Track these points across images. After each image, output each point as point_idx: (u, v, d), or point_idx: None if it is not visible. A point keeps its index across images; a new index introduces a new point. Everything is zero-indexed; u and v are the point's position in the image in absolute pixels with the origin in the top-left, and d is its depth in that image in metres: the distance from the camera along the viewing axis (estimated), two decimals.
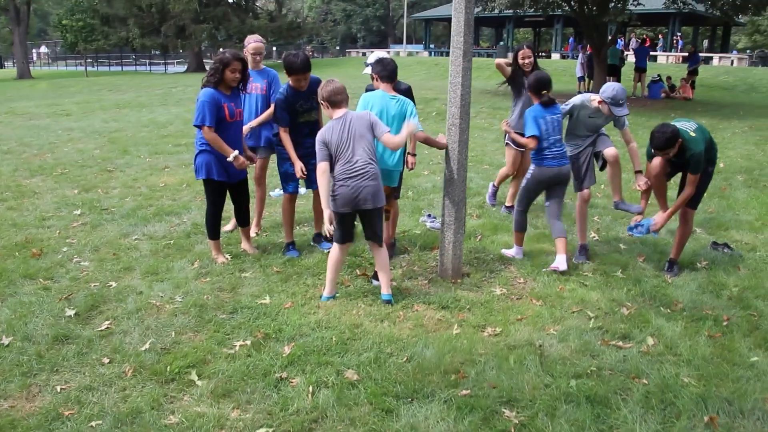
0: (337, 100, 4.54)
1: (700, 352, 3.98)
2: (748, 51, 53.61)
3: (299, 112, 5.48)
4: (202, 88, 5.16)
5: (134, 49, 43.76)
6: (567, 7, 20.06)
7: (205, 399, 3.37)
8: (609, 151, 5.65)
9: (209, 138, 5.08)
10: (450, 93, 4.90)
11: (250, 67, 5.72)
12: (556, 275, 5.20)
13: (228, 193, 5.53)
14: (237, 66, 5.13)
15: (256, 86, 5.97)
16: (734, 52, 46.19)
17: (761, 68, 35.27)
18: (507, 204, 7.24)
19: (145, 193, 7.88)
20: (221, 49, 5.63)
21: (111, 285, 4.92)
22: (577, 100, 5.56)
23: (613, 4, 19.68)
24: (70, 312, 4.38)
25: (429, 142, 5.09)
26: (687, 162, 5.08)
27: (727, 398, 3.49)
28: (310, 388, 3.44)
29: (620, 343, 4.09)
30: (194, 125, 5.14)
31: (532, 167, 5.58)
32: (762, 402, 3.46)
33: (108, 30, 40.79)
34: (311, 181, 5.59)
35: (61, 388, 3.46)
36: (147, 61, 51.56)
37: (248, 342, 3.95)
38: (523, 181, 5.67)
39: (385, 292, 4.62)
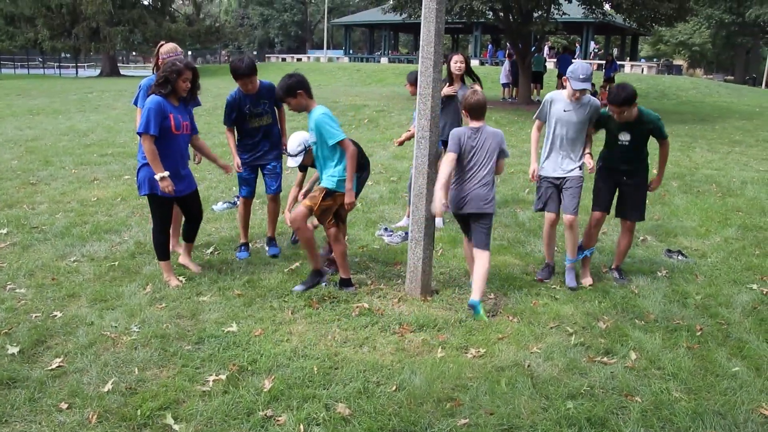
0: (479, 112, 4.72)
1: (683, 365, 3.97)
2: (655, 59, 56.29)
3: (248, 116, 5.56)
4: (148, 95, 4.85)
5: (43, 51, 41.52)
6: (491, 16, 20.31)
7: None
8: (566, 217, 5.28)
9: (147, 149, 4.71)
10: (419, 104, 4.72)
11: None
12: (525, 290, 5.11)
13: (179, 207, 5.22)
14: (188, 75, 4.87)
15: None
16: (642, 60, 48.26)
17: (668, 76, 37.05)
18: None
19: (77, 209, 7.33)
20: (172, 56, 5.20)
21: (56, 315, 4.46)
22: (546, 96, 5.41)
23: (537, 13, 20.09)
24: (13, 349, 3.92)
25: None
26: (649, 130, 5.10)
27: (719, 411, 3.47)
28: (301, 427, 3.18)
29: (605, 359, 4.02)
30: (137, 133, 4.79)
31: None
32: (752, 413, 3.46)
33: (13, 30, 38.54)
34: (267, 186, 5.85)
35: None
36: (56, 64, 49.06)
37: (222, 376, 3.63)
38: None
39: (475, 297, 4.57)
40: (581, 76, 4.99)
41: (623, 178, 5.33)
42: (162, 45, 5.54)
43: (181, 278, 5.15)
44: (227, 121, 5.60)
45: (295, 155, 5.15)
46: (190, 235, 5.43)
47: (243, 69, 5.32)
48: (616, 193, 5.42)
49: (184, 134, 4.98)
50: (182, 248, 5.54)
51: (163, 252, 5.14)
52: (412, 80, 6.17)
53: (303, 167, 5.47)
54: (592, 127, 5.28)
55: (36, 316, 4.44)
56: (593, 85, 25.49)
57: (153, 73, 5.56)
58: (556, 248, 5.71)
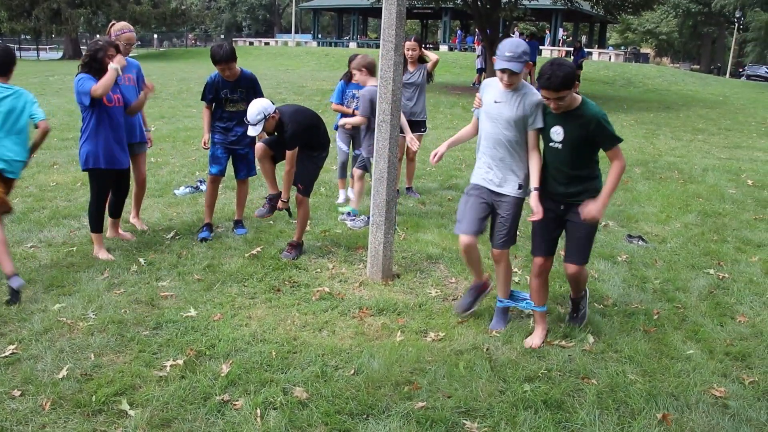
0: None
1: (639, 348, 4.03)
2: (622, 47, 56.87)
3: (224, 100, 5.68)
4: (77, 74, 5.07)
5: (1, 33, 40.46)
6: (460, 1, 20.33)
7: None
8: (491, 250, 4.29)
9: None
10: (381, 88, 4.70)
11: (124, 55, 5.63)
12: (486, 274, 5.13)
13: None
14: (113, 53, 5.08)
15: (129, 77, 5.69)
16: (610, 48, 48.75)
17: (635, 64, 37.51)
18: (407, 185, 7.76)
19: (35, 194, 7.18)
20: (97, 37, 5.31)
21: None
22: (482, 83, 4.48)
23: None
24: None
25: None
26: (590, 131, 3.68)
27: (672, 393, 3.54)
28: (258, 411, 3.17)
29: (563, 343, 4.07)
30: (81, 104, 5.04)
31: None
32: (704, 394, 3.53)
33: None
34: (237, 170, 5.98)
35: None
36: (16, 46, 47.86)
37: (180, 361, 3.60)
38: None
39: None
40: (507, 54, 3.73)
41: (560, 207, 3.94)
42: (113, 24, 5.71)
43: (110, 254, 5.30)
44: (204, 98, 5.75)
45: (255, 124, 5.08)
46: (118, 211, 5.68)
47: (221, 55, 5.42)
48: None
49: (116, 107, 5.18)
50: (110, 224, 5.70)
51: (97, 225, 5.30)
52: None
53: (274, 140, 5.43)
54: (535, 130, 3.90)
55: None
56: None
57: None
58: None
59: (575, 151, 3.78)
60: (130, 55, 5.98)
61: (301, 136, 5.16)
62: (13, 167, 4.71)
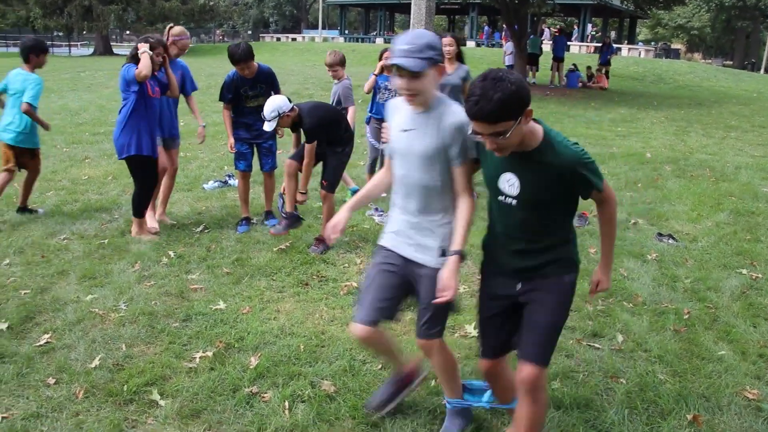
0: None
1: (669, 347, 3.98)
2: (652, 43, 56.12)
3: (245, 97, 5.76)
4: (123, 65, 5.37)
5: (35, 30, 41.13)
6: None
7: (171, 421, 3.06)
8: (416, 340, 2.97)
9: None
10: None
11: (171, 57, 5.87)
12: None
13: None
14: (160, 51, 5.34)
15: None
16: (639, 44, 48.13)
17: (665, 60, 36.93)
18: None
19: (68, 187, 7.31)
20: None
21: (45, 292, 4.46)
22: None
23: None
24: (2, 326, 3.92)
25: None
26: (562, 179, 2.40)
27: (703, 394, 3.49)
28: (286, 403, 3.19)
29: (592, 341, 4.04)
30: (126, 91, 5.29)
31: None
32: (736, 396, 3.48)
33: (4, 8, 38.15)
34: (263, 164, 6.07)
35: (2, 417, 3.06)
36: (49, 42, 48.60)
37: (209, 353, 3.64)
38: None
39: None
40: (401, 47, 2.51)
41: (515, 288, 2.64)
42: (172, 27, 5.97)
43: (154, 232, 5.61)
44: (223, 98, 5.80)
45: (270, 120, 5.19)
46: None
47: (240, 54, 5.49)
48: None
49: (156, 98, 5.46)
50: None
51: (142, 210, 5.58)
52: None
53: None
54: (463, 165, 2.66)
55: (25, 293, 4.44)
56: (575, 66, 25.06)
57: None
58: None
59: (537, 212, 2.50)
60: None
61: (319, 131, 5.25)
62: None
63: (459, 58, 6.82)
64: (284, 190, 5.54)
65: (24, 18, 38.23)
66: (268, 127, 5.21)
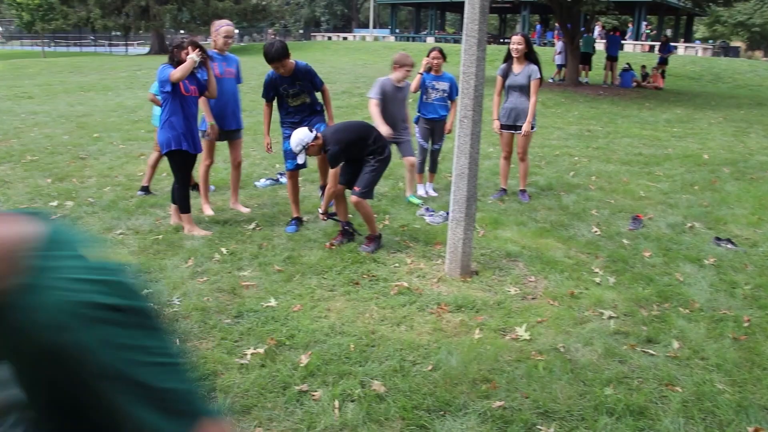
0: None
1: (728, 356, 3.85)
2: (710, 41, 54.56)
3: (285, 96, 5.81)
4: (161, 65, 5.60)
5: (94, 30, 42.35)
6: None
7: (222, 416, 3.09)
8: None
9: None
10: (462, 83, 4.66)
11: (220, 49, 6.10)
12: (566, 274, 5.03)
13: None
14: (191, 49, 5.44)
15: (230, 71, 6.17)
16: (696, 42, 46.86)
17: (724, 59, 35.82)
18: (520, 188, 7.42)
19: (124, 183, 7.49)
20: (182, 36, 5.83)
21: None
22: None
23: None
24: None
25: None
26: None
27: (765, 406, 3.36)
28: (336, 402, 3.20)
29: (646, 347, 3.94)
30: (162, 91, 5.47)
31: None
32: None
33: (67, 9, 39.36)
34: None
35: None
36: (107, 42, 50.08)
37: (260, 350, 3.68)
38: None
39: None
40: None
41: None
42: (214, 23, 6.20)
43: (206, 231, 5.71)
44: (265, 96, 5.91)
45: (298, 153, 5.26)
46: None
47: (273, 54, 5.52)
48: None
49: (192, 97, 5.58)
50: (172, 211, 6.02)
51: (186, 205, 5.73)
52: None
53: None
54: None
55: None
56: (629, 65, 24.64)
57: (213, 49, 6.21)
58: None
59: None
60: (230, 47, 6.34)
61: (341, 155, 5.27)
62: None
63: (529, 57, 6.81)
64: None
65: (84, 18, 39.35)
66: (300, 159, 5.30)
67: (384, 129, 6.17)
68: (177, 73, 5.28)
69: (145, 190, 6.97)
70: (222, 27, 6.09)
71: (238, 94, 6.28)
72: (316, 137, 5.24)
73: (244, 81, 6.51)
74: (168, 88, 5.39)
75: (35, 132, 10.85)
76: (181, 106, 5.48)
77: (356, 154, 5.35)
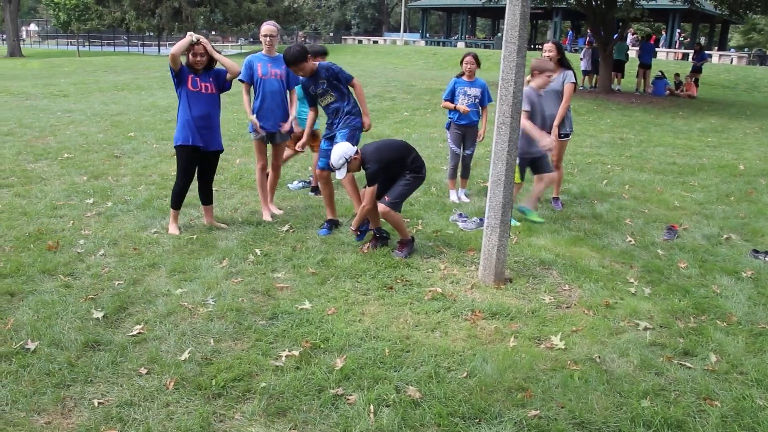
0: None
1: None
2: (746, 49, 53.69)
3: (315, 96, 5.85)
4: None
5: (128, 30, 42.96)
6: (574, 1, 19.77)
7: (258, 418, 3.11)
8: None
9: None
10: (501, 90, 4.64)
11: (264, 51, 6.10)
12: (601, 284, 4.97)
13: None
14: (198, 50, 5.54)
15: (275, 72, 6.13)
16: (731, 50, 46.16)
17: (760, 67, 35.23)
18: (554, 195, 7.32)
19: (158, 182, 7.58)
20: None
21: (137, 284, 4.63)
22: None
23: None
24: (98, 314, 4.10)
25: None
26: None
27: None
28: (371, 407, 3.20)
29: (683, 359, 3.88)
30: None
31: None
32: None
33: (102, 10, 39.99)
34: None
35: (98, 403, 3.18)
36: (139, 42, 50.81)
37: (295, 353, 3.69)
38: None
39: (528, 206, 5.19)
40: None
41: None
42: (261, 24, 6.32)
43: (179, 231, 5.82)
44: (306, 100, 6.04)
45: (339, 168, 5.23)
46: (206, 197, 6.01)
47: (287, 58, 5.55)
48: None
49: (202, 93, 5.64)
50: (204, 211, 6.08)
51: (177, 202, 5.84)
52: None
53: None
54: None
55: (119, 284, 4.62)
56: (662, 73, 24.43)
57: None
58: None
59: None
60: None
61: (379, 174, 5.27)
62: None
63: (561, 63, 6.79)
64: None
65: (118, 19, 39.96)
66: (339, 175, 5.27)
67: (546, 141, 6.04)
68: (173, 48, 5.54)
69: (315, 190, 7.30)
70: (262, 26, 6.15)
71: (283, 96, 6.16)
72: (357, 152, 5.24)
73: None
74: (173, 75, 5.61)
75: (71, 130, 11.02)
76: (187, 101, 5.62)
77: (394, 173, 5.35)
